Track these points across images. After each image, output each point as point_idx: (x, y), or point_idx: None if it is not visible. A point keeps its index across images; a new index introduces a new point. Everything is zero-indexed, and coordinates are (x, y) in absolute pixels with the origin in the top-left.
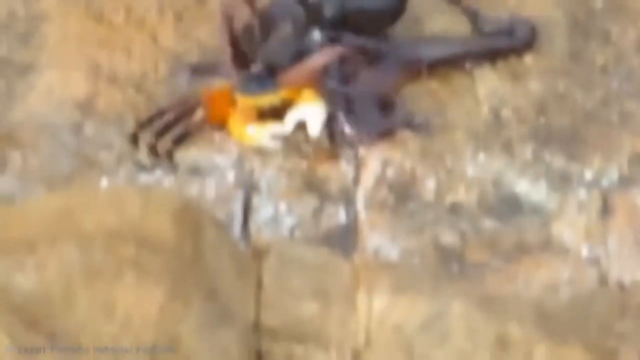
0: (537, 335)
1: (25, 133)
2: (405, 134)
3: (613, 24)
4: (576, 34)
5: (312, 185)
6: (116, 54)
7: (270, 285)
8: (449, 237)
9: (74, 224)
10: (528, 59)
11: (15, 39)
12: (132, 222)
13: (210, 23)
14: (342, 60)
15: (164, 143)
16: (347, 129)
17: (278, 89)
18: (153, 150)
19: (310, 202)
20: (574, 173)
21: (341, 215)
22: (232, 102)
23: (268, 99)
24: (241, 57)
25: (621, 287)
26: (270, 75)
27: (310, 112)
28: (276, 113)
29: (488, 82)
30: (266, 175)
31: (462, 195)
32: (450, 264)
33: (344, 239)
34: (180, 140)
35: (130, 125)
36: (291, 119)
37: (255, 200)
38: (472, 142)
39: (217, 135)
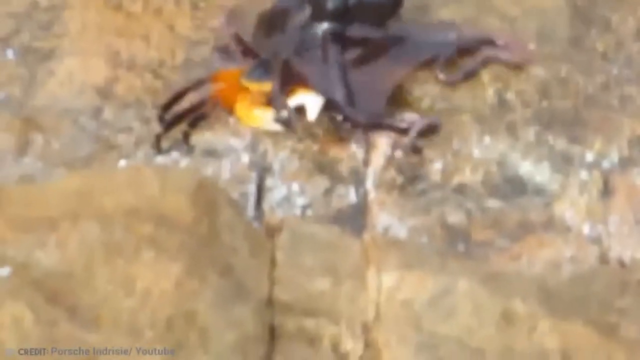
0: (540, 311)
1: (47, 117)
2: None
3: (613, 12)
4: (577, 21)
5: (323, 167)
6: (134, 42)
7: (283, 262)
8: (455, 217)
9: (94, 202)
10: (531, 45)
11: (37, 27)
12: (150, 201)
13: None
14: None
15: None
16: (339, 118)
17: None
18: (186, 138)
19: (321, 182)
20: (576, 155)
21: (351, 196)
22: (241, 88)
23: (269, 86)
24: (249, 52)
25: (621, 264)
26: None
27: (308, 98)
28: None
29: (493, 67)
30: (279, 157)
31: (468, 176)
32: (456, 242)
33: (354, 218)
34: (195, 123)
35: (148, 110)
36: (290, 103)
37: (269, 181)
38: (477, 125)
39: (232, 120)
